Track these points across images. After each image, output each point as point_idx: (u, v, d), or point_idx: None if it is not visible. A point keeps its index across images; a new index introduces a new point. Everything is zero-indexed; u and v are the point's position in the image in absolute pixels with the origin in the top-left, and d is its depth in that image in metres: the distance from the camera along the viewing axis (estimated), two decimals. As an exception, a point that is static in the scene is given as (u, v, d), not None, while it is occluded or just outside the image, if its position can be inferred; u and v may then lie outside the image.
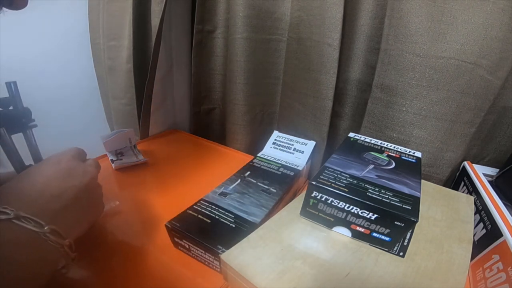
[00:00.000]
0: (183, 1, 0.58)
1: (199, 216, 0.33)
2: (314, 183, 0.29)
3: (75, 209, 0.27)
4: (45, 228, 0.22)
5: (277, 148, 0.49)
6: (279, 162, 0.46)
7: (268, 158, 0.47)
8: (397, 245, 0.28)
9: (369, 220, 0.28)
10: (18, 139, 0.33)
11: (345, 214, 0.29)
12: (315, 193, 0.30)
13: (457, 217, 0.33)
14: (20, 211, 0.21)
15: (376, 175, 0.32)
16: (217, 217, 0.33)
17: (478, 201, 0.35)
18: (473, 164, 0.42)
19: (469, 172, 0.40)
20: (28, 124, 0.34)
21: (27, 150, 0.35)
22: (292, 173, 0.43)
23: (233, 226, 0.32)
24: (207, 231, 0.31)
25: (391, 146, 0.40)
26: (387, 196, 0.28)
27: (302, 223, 0.32)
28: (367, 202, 0.27)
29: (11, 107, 0.33)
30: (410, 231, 0.29)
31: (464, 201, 0.36)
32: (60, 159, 0.28)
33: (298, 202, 0.34)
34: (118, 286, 0.29)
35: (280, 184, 0.40)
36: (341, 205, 0.29)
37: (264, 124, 0.60)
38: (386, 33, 0.40)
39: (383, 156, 0.36)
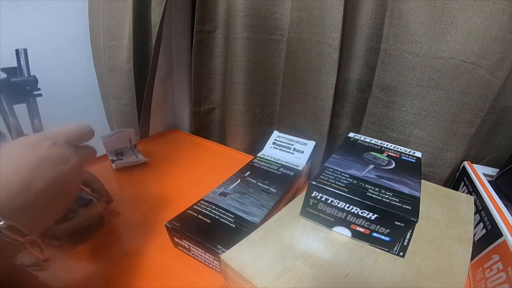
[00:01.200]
0: (183, 1, 0.58)
1: (199, 216, 0.33)
2: (314, 183, 0.29)
3: (43, 203, 0.23)
4: (1, 223, 0.19)
5: (277, 148, 0.49)
6: (279, 162, 0.46)
7: (268, 158, 0.47)
8: (397, 245, 0.28)
9: (369, 220, 0.28)
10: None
11: (345, 214, 0.29)
12: (315, 193, 0.30)
13: (457, 217, 0.33)
14: None
15: (376, 175, 0.32)
16: (217, 217, 0.33)
17: (478, 201, 0.35)
18: (473, 164, 0.42)
19: (469, 172, 0.40)
20: (33, 92, 0.33)
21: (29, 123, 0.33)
22: (292, 173, 0.43)
23: (233, 226, 0.32)
24: (207, 231, 0.31)
25: (391, 146, 0.40)
26: (387, 196, 0.28)
27: (302, 223, 0.32)
28: (367, 202, 0.27)
29: (17, 77, 0.31)
30: (410, 231, 0.29)
31: (464, 201, 0.36)
32: (38, 144, 0.25)
33: (298, 202, 0.34)
34: (118, 286, 0.29)
35: (280, 184, 0.40)
36: (341, 205, 0.29)
37: (264, 124, 0.60)
38: (386, 33, 0.40)
39: (383, 156, 0.36)
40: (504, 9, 0.33)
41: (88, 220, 0.33)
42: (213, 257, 0.30)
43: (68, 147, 0.27)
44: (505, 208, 0.32)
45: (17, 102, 0.31)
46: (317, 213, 0.31)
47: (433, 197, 0.36)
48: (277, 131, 0.52)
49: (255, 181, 0.40)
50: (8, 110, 0.30)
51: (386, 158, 0.36)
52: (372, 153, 0.37)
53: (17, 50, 0.32)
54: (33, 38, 0.66)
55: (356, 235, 0.30)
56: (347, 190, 0.28)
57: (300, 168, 0.45)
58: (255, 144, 0.60)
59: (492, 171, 0.40)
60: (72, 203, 0.30)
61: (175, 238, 0.32)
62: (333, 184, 0.29)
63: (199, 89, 0.63)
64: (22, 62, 0.32)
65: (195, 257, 0.32)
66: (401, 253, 0.28)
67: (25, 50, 0.32)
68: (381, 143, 0.40)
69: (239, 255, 0.27)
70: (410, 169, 0.34)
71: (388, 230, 0.27)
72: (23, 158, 0.23)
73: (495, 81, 0.37)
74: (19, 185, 0.22)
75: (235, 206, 0.35)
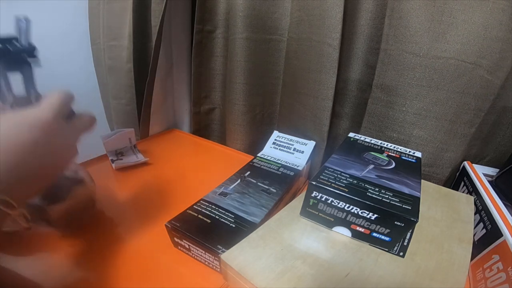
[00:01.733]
0: (183, 1, 0.58)
1: (199, 216, 0.33)
2: (314, 183, 0.29)
3: (30, 179, 0.23)
4: None
5: (277, 148, 0.49)
6: (279, 162, 0.46)
7: (268, 158, 0.47)
8: (397, 245, 0.28)
9: (369, 220, 0.28)
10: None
11: (345, 214, 0.29)
12: (315, 193, 0.30)
13: (457, 217, 0.33)
14: None
15: (376, 175, 0.32)
16: (217, 217, 0.33)
17: (478, 201, 0.35)
18: (473, 164, 0.42)
19: (469, 172, 0.40)
20: (28, 60, 0.30)
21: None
22: (292, 173, 0.43)
23: (233, 226, 0.32)
24: (207, 231, 0.31)
25: (391, 146, 0.40)
26: (387, 196, 0.28)
27: (302, 223, 0.32)
28: (367, 202, 0.27)
29: (14, 45, 0.29)
30: (410, 231, 0.29)
31: (464, 201, 0.36)
32: (31, 123, 0.23)
33: (298, 202, 0.34)
34: (118, 286, 0.29)
35: (280, 184, 0.40)
36: (341, 205, 0.29)
37: (264, 124, 0.60)
38: (386, 33, 0.40)
39: (383, 156, 0.36)
40: (504, 9, 0.33)
41: (82, 202, 0.32)
42: (213, 257, 0.30)
43: (60, 121, 0.25)
44: (505, 208, 0.32)
45: (12, 70, 0.29)
46: (317, 213, 0.31)
47: (433, 197, 0.36)
48: (277, 131, 0.52)
49: (255, 181, 0.40)
50: (2, 78, 0.28)
51: (386, 158, 0.36)
52: (372, 153, 0.37)
53: (17, 17, 0.30)
54: (32, 38, 0.66)
55: (356, 235, 0.30)
56: (347, 190, 0.28)
57: (300, 168, 0.45)
58: (255, 144, 0.60)
59: (492, 171, 0.40)
60: (63, 179, 0.29)
61: (175, 238, 0.32)
62: (333, 184, 0.29)
63: (199, 89, 0.63)
64: (22, 29, 0.30)
65: (195, 257, 0.32)
66: (401, 253, 0.28)
67: (27, 19, 0.30)
68: (381, 143, 0.40)
69: (239, 255, 0.27)
70: (410, 169, 0.34)
71: (388, 230, 0.27)
72: (17, 139, 0.22)
73: (495, 81, 0.37)
74: (12, 164, 0.21)
75: (235, 206, 0.35)
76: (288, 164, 0.45)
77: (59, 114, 0.25)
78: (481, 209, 0.34)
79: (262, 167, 0.44)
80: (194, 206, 0.35)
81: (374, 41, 0.43)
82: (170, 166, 0.52)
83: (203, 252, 0.30)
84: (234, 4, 0.49)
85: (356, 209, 0.28)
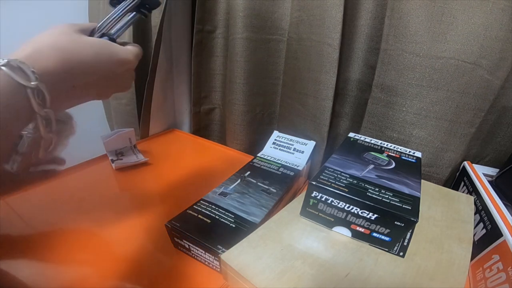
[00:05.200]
0: (183, 1, 0.58)
1: (199, 216, 0.33)
2: (314, 183, 0.29)
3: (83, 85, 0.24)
4: (32, 83, 0.19)
5: (277, 148, 0.49)
6: (279, 162, 0.46)
7: (268, 158, 0.47)
8: (397, 245, 0.28)
9: (369, 220, 0.28)
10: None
11: (345, 214, 0.29)
12: (315, 193, 0.30)
13: (457, 217, 0.33)
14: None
15: (376, 175, 0.32)
16: (217, 217, 0.33)
17: (478, 201, 0.35)
18: (473, 164, 0.42)
19: (469, 172, 0.40)
20: (143, 10, 0.31)
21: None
22: (292, 173, 0.43)
23: (233, 226, 0.32)
24: (207, 231, 0.31)
25: (391, 146, 0.40)
26: (387, 196, 0.28)
27: (302, 223, 0.32)
28: (367, 202, 0.27)
29: None
30: (410, 231, 0.29)
31: (464, 201, 0.36)
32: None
33: (298, 202, 0.34)
34: (118, 285, 0.29)
35: (280, 184, 0.40)
36: (341, 205, 0.29)
37: (264, 124, 0.60)
38: (386, 33, 0.40)
39: (383, 156, 0.36)
40: (504, 9, 0.33)
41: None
42: (213, 257, 0.30)
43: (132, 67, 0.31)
44: (505, 208, 0.32)
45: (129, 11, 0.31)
46: (317, 213, 0.31)
47: (433, 197, 0.36)
48: (277, 131, 0.52)
49: (255, 181, 0.40)
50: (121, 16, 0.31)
51: (386, 158, 0.36)
52: (372, 153, 0.37)
53: None
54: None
55: (356, 235, 0.30)
56: (347, 190, 0.28)
57: (300, 168, 0.45)
58: (255, 144, 0.60)
59: (492, 171, 0.40)
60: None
61: (175, 238, 0.32)
62: (333, 184, 0.29)
63: (199, 89, 0.63)
64: None
65: (195, 257, 0.32)
66: (401, 253, 0.28)
67: None
68: (381, 143, 0.40)
69: (239, 255, 0.27)
70: (410, 169, 0.34)
71: (388, 230, 0.27)
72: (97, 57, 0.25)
73: (495, 81, 0.37)
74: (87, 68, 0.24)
75: (235, 206, 0.35)
76: (288, 164, 0.45)
77: (136, 61, 0.32)
78: (481, 209, 0.34)
79: (262, 167, 0.44)
80: (194, 206, 0.35)
81: (374, 41, 0.43)
82: (170, 166, 0.52)
83: (203, 252, 0.30)
84: (234, 4, 0.49)
85: (356, 209, 0.28)
